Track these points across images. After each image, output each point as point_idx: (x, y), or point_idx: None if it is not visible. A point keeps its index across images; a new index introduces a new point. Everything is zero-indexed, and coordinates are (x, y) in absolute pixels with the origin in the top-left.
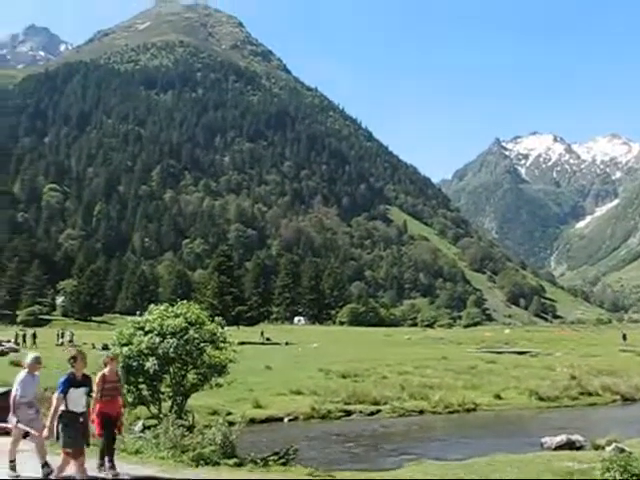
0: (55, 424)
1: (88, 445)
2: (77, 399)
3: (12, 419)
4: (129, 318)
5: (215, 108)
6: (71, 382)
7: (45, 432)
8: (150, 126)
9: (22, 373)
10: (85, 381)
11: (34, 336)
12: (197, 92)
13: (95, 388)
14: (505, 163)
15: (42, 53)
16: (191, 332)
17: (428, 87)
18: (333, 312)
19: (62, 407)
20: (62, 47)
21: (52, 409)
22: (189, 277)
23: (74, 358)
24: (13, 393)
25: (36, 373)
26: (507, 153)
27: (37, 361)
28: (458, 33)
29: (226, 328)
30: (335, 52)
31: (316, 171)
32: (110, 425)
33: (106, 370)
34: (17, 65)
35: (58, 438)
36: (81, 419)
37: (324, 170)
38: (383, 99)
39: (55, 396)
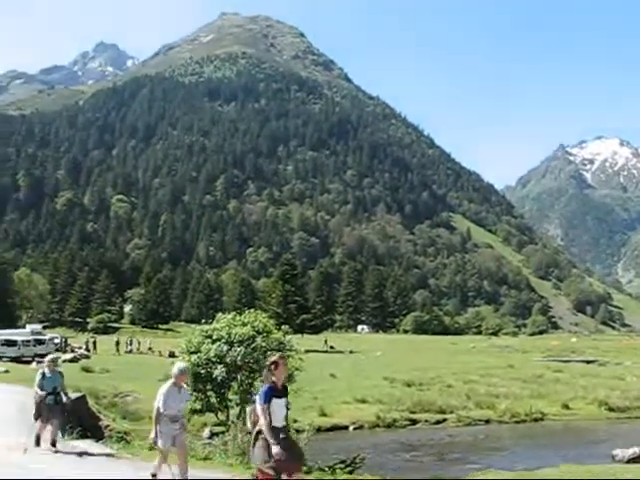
0: (268, 440)
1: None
2: (278, 411)
3: (152, 433)
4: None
5: (277, 118)
6: (273, 392)
7: (259, 453)
8: (214, 137)
9: (167, 384)
10: (285, 391)
11: (94, 344)
12: (260, 102)
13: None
14: (570, 168)
15: (110, 68)
16: (258, 340)
17: (490, 93)
18: (397, 320)
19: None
20: (129, 62)
21: (263, 422)
22: (253, 286)
23: (275, 364)
24: (155, 405)
25: (183, 385)
26: (572, 158)
27: (183, 372)
28: (519, 40)
29: (291, 336)
30: (396, 59)
31: (379, 179)
32: None
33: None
34: (87, 81)
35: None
36: (282, 435)
37: (386, 178)
38: (444, 106)
39: (258, 408)
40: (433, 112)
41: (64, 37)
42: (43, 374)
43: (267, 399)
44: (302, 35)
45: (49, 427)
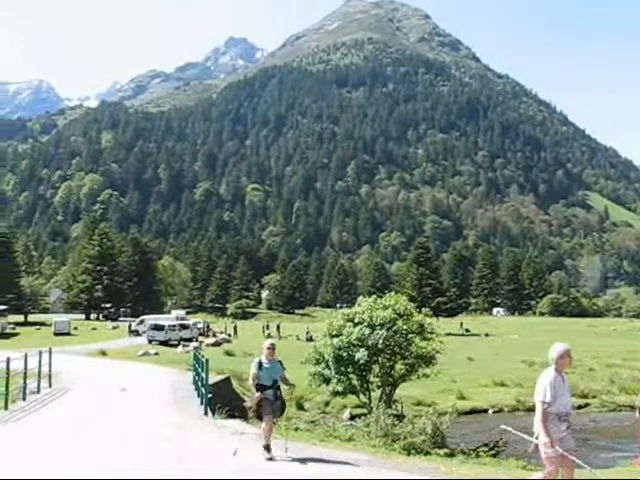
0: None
1: None
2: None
3: (542, 437)
4: (329, 311)
5: (406, 101)
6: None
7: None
8: (344, 123)
9: (550, 371)
10: None
11: (235, 328)
12: (387, 87)
13: None
14: None
15: (241, 62)
16: (399, 323)
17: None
18: (532, 303)
19: None
20: (258, 54)
21: None
22: (387, 270)
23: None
24: (540, 398)
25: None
26: None
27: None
28: None
29: (431, 319)
30: (525, 35)
31: (511, 159)
32: None
33: None
34: (219, 75)
35: None
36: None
37: (519, 158)
38: (577, 81)
39: None
40: (565, 88)
41: (196, 35)
42: (260, 363)
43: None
44: (427, 17)
45: (263, 425)
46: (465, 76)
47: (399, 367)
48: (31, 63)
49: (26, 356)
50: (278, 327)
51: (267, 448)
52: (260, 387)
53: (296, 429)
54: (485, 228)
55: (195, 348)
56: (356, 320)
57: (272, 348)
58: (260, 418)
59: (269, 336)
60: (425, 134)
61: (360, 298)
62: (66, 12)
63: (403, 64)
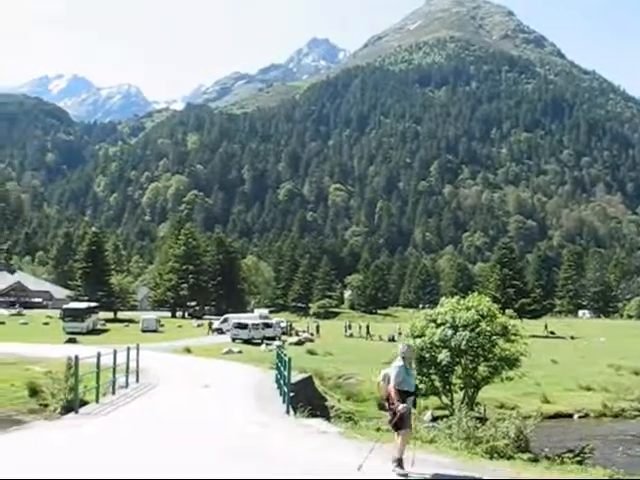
0: None
1: None
2: None
3: None
4: (412, 311)
5: (489, 100)
6: None
7: None
8: (426, 122)
9: None
10: None
11: (317, 328)
12: (470, 85)
13: None
14: None
15: (323, 62)
16: (483, 325)
17: None
18: (620, 305)
19: None
20: (340, 55)
21: None
22: (470, 270)
23: None
24: None
25: None
26: None
27: None
28: None
29: (515, 321)
30: (612, 30)
31: (597, 158)
32: None
33: None
34: (302, 76)
35: None
36: None
37: (606, 156)
38: None
39: None
40: None
41: (279, 37)
42: (406, 368)
43: None
44: (511, 13)
45: (400, 439)
46: (550, 73)
47: (482, 369)
48: (121, 69)
49: (115, 352)
50: (368, 327)
51: (400, 462)
52: (403, 394)
53: (378, 429)
54: (571, 228)
55: (278, 347)
56: (439, 321)
57: (409, 350)
58: (397, 429)
59: (351, 336)
60: (509, 133)
61: (443, 299)
62: (153, 19)
63: (486, 62)
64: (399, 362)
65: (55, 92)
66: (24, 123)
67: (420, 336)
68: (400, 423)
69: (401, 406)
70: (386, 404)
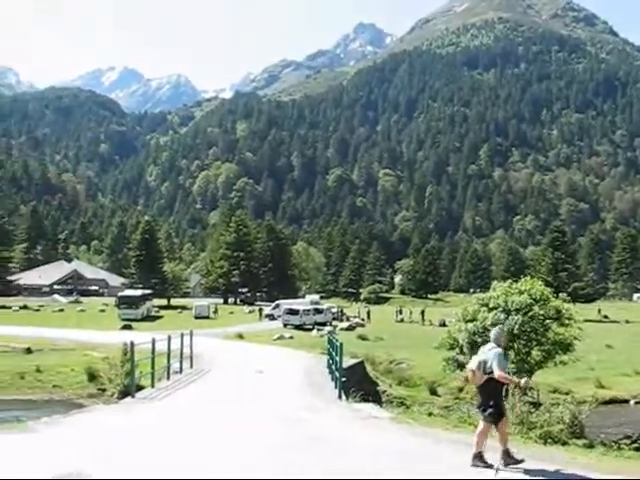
0: None
1: None
2: None
3: None
4: (462, 296)
5: (539, 81)
6: None
7: None
8: (475, 106)
9: None
10: None
11: (368, 313)
12: (519, 67)
13: None
14: None
15: (370, 48)
16: (536, 309)
17: None
18: None
19: None
20: (387, 39)
21: None
22: (521, 254)
23: None
24: None
25: None
26: None
27: None
28: None
29: (569, 305)
30: None
31: None
32: None
33: None
34: (349, 62)
35: None
36: None
37: None
38: None
39: None
40: None
41: (326, 23)
42: (505, 354)
43: None
44: None
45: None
46: (602, 52)
47: (535, 353)
48: (170, 59)
49: (169, 338)
50: (423, 312)
51: (508, 453)
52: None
53: (430, 414)
54: (624, 210)
55: (329, 332)
56: (491, 305)
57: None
58: (499, 419)
59: (402, 321)
60: (560, 114)
61: (495, 283)
62: (201, 8)
63: (535, 43)
64: (496, 348)
65: (107, 84)
66: (78, 115)
67: (472, 320)
68: (501, 413)
69: (523, 380)
70: (479, 394)
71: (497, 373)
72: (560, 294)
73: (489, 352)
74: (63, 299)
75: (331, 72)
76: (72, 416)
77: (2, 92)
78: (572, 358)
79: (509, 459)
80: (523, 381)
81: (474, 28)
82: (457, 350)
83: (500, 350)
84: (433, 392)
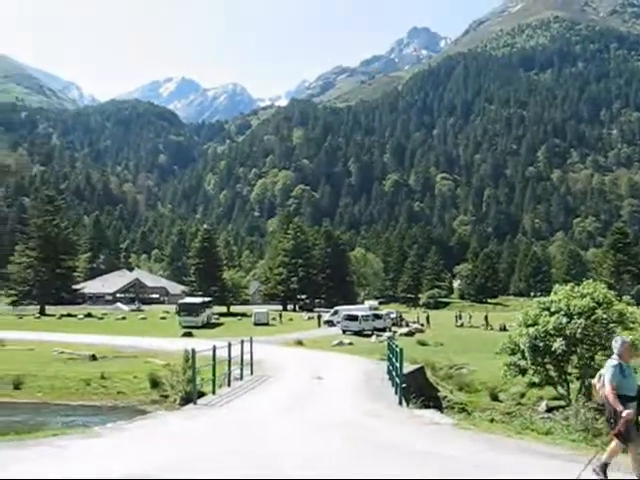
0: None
1: None
2: None
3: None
4: (522, 300)
5: (597, 80)
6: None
7: None
8: (532, 107)
9: None
10: None
11: (427, 318)
12: (577, 66)
13: None
14: None
15: (425, 52)
16: (599, 312)
17: None
18: None
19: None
20: (442, 43)
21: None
22: (582, 256)
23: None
24: None
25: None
26: None
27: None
28: None
29: (633, 308)
30: None
31: None
32: None
33: None
34: (404, 67)
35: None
36: None
37: None
38: None
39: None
40: None
41: (379, 28)
42: (620, 366)
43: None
44: None
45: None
46: None
47: (599, 358)
48: (226, 68)
49: (229, 345)
50: (486, 317)
51: (604, 468)
52: (621, 399)
53: (491, 420)
54: None
55: (389, 338)
56: (552, 309)
57: (632, 345)
58: (623, 440)
59: (461, 326)
60: (619, 113)
61: (556, 286)
62: (254, 17)
63: (593, 41)
64: (613, 360)
65: (165, 95)
66: (138, 127)
67: (533, 325)
68: (626, 433)
69: (625, 412)
70: (605, 411)
71: (605, 388)
72: (623, 297)
73: (607, 364)
74: (125, 307)
75: (386, 77)
76: (136, 422)
77: (66, 107)
78: (638, 362)
79: (601, 472)
80: (625, 413)
81: (529, 28)
82: (518, 355)
83: (616, 362)
84: (494, 398)
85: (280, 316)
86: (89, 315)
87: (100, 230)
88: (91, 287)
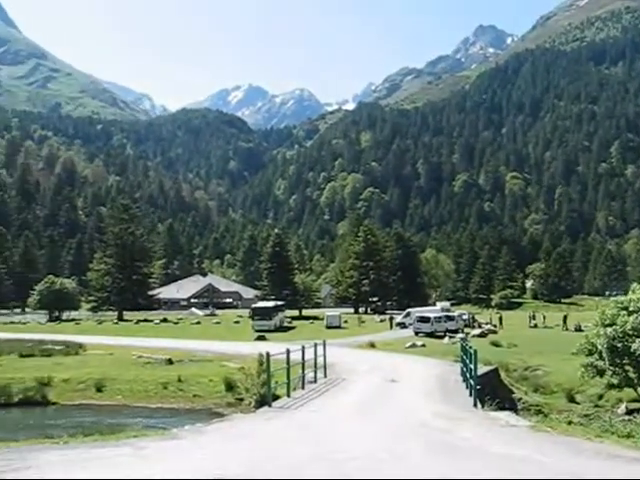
0: None
1: None
2: None
3: None
4: (597, 299)
5: None
6: None
7: None
8: (603, 102)
9: None
10: None
11: (500, 319)
12: None
13: None
14: None
15: (491, 50)
16: None
17: None
18: None
19: None
20: (508, 40)
21: None
22: None
23: None
24: None
25: None
26: None
27: None
28: None
29: None
30: None
31: None
32: None
33: None
34: (470, 65)
35: None
36: None
37: None
38: None
39: None
40: None
41: (445, 28)
42: None
43: None
44: None
45: None
46: None
47: None
48: (293, 74)
49: (303, 348)
50: (565, 317)
51: None
52: None
53: (569, 422)
54: None
55: (462, 339)
56: (631, 308)
57: None
58: None
59: (535, 326)
60: None
61: (634, 285)
62: (320, 22)
63: None
64: None
65: (234, 103)
66: (208, 135)
67: (611, 325)
68: None
69: None
70: None
71: None
72: None
73: None
74: (200, 312)
75: (452, 77)
76: (214, 424)
77: (139, 118)
78: None
79: None
80: None
81: (599, 21)
82: (596, 356)
83: None
84: (571, 399)
85: (361, 319)
86: (165, 320)
87: (174, 237)
88: (166, 293)
